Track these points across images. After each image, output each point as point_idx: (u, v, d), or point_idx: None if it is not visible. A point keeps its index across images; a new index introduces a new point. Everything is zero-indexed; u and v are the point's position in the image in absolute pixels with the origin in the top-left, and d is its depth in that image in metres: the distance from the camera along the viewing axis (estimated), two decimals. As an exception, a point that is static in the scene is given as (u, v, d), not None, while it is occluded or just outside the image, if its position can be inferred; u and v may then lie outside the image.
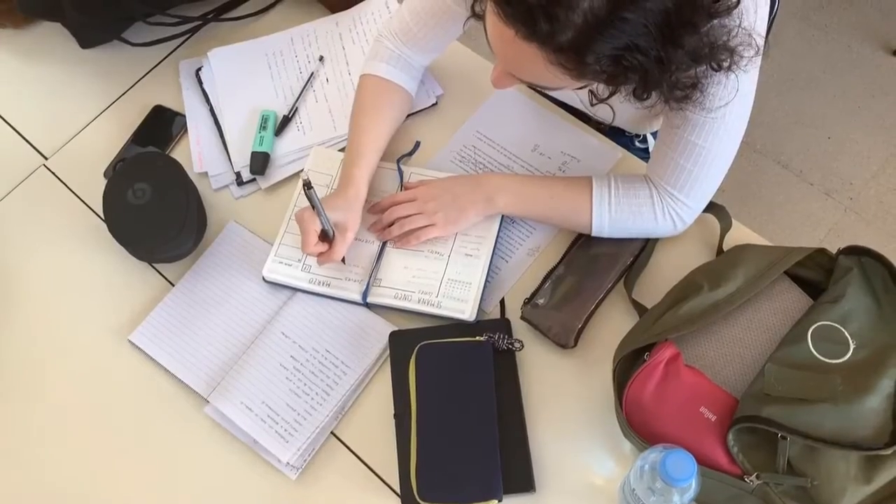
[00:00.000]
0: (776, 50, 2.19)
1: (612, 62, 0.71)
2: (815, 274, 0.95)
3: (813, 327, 0.88)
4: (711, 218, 1.04)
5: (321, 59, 1.22)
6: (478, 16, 0.82)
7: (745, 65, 0.78)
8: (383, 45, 1.10)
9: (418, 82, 1.14)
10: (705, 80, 0.80)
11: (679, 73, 0.76)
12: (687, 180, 0.95)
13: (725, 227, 1.03)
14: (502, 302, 1.03)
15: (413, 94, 1.13)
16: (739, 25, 0.76)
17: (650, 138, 1.27)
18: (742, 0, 0.74)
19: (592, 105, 0.89)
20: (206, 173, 1.14)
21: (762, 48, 0.80)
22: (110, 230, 1.04)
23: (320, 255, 1.00)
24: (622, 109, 1.02)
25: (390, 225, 1.04)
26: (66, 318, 1.06)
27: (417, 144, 1.14)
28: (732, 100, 0.86)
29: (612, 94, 0.83)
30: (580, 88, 0.81)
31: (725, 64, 0.77)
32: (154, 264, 1.09)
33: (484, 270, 1.02)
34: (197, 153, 1.16)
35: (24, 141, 1.20)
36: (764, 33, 0.84)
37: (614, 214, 0.99)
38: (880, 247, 0.92)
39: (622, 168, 1.11)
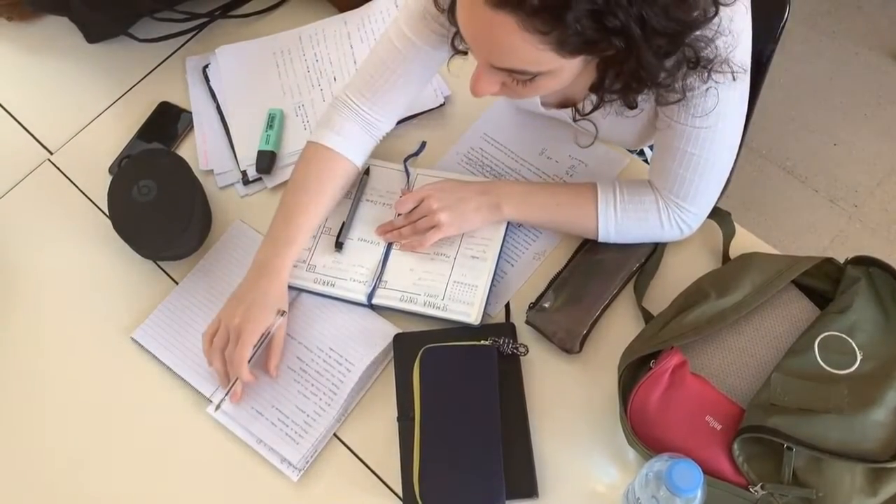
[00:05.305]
0: (783, 55, 2.17)
1: (592, 21, 0.68)
2: (823, 283, 0.95)
3: (820, 337, 0.87)
4: (717, 224, 1.04)
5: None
6: (459, 51, 0.81)
7: (728, 77, 0.80)
8: (338, 111, 1.03)
9: (369, 153, 1.06)
10: (682, 73, 0.79)
11: (659, 41, 0.73)
12: (689, 189, 0.95)
13: (729, 233, 1.03)
14: (507, 306, 1.03)
15: (359, 167, 1.05)
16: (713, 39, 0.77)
17: (647, 150, 1.26)
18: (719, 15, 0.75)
19: (575, 121, 0.87)
20: (211, 171, 1.14)
21: (740, 71, 0.81)
22: (115, 227, 1.03)
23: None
24: (610, 125, 1.00)
25: (401, 226, 1.04)
26: (69, 314, 1.06)
27: (423, 144, 1.13)
28: (717, 109, 0.85)
29: (596, 108, 0.84)
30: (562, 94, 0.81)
31: (704, 65, 0.78)
32: (158, 262, 1.09)
33: (490, 273, 1.01)
34: (203, 150, 1.15)
35: (29, 135, 1.20)
36: (747, 65, 0.84)
37: (620, 221, 0.99)
38: (884, 255, 0.92)
39: (629, 172, 1.10)
